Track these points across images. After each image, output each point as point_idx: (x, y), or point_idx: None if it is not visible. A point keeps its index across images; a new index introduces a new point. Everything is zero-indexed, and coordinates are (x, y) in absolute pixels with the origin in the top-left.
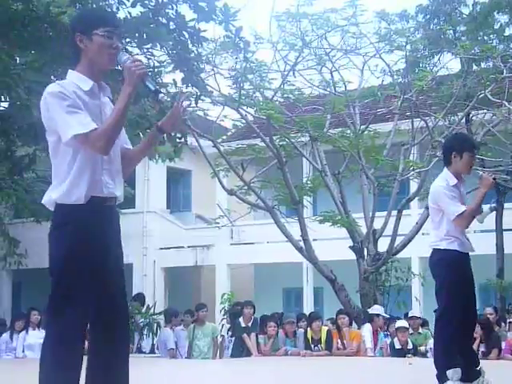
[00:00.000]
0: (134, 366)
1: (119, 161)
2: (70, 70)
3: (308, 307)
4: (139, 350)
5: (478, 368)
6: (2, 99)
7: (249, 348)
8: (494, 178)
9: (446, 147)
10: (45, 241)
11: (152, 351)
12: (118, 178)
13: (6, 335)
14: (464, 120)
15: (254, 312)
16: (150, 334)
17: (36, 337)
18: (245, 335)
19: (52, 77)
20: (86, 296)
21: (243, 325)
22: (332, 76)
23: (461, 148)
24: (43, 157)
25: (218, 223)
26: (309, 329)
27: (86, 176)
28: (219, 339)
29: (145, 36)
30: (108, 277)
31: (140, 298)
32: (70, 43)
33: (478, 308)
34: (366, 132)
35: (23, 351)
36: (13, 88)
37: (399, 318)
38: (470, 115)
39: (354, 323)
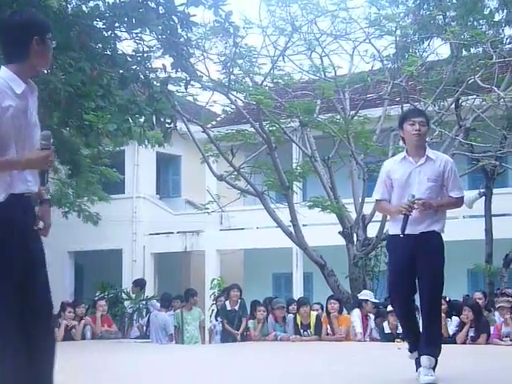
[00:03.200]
0: (122, 352)
1: None
2: (3, 67)
3: (298, 292)
4: (129, 336)
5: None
6: None
7: (231, 333)
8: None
9: None
10: None
11: (142, 336)
12: (36, 174)
13: None
14: (453, 105)
15: (241, 295)
16: (139, 320)
17: None
18: (225, 321)
19: None
20: (9, 291)
21: (229, 308)
22: (322, 61)
23: (400, 122)
24: None
25: (208, 209)
26: (298, 314)
27: (5, 174)
28: (209, 324)
29: (134, 21)
30: (29, 272)
31: (140, 283)
32: (18, 43)
33: (467, 293)
34: (355, 117)
35: None
36: None
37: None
38: (460, 101)
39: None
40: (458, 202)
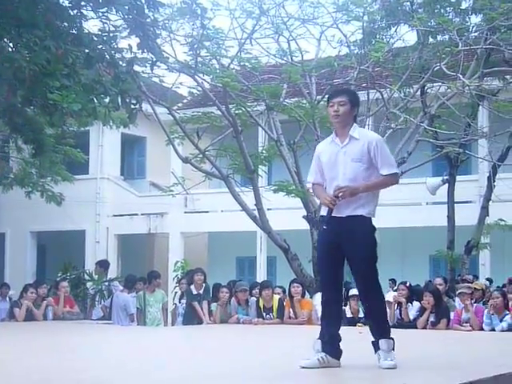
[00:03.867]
0: (85, 333)
1: None
2: None
3: (261, 276)
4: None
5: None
6: None
7: (199, 315)
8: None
9: None
10: None
11: (106, 318)
12: None
13: None
14: (419, 92)
15: (205, 279)
16: (102, 301)
17: None
18: (195, 303)
19: (5, 39)
20: None
21: (194, 292)
22: (289, 45)
23: (326, 105)
24: None
25: (173, 191)
26: (260, 297)
27: None
28: (172, 307)
29: (100, 0)
30: None
31: (104, 264)
32: None
33: (428, 279)
34: (321, 102)
35: None
36: None
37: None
38: (425, 88)
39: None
40: (391, 180)
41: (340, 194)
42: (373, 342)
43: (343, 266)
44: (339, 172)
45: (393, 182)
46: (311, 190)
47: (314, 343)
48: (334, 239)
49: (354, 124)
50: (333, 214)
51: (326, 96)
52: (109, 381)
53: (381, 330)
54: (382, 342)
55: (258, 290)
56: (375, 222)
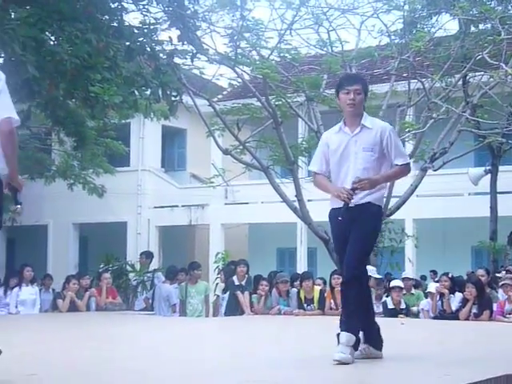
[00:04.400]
0: (127, 324)
1: None
2: None
3: (302, 267)
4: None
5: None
6: None
7: (242, 306)
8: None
9: None
10: (39, 198)
11: (148, 309)
12: None
13: None
14: (461, 82)
15: (248, 271)
16: (144, 292)
17: (29, 292)
18: (238, 292)
19: (47, 33)
20: None
21: (237, 283)
22: (329, 35)
23: (336, 90)
24: (37, 113)
25: (213, 183)
26: (301, 288)
27: None
28: (213, 298)
29: None
30: None
31: (149, 255)
32: None
33: (470, 270)
34: None
35: (16, 307)
36: (8, 43)
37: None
38: (467, 77)
39: None
40: (405, 170)
41: (360, 187)
42: (337, 334)
43: None
44: (350, 161)
45: (406, 173)
46: (314, 180)
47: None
48: (346, 231)
49: (365, 113)
50: (340, 206)
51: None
52: (148, 371)
53: (348, 322)
54: (343, 335)
55: (298, 282)
56: (418, 214)
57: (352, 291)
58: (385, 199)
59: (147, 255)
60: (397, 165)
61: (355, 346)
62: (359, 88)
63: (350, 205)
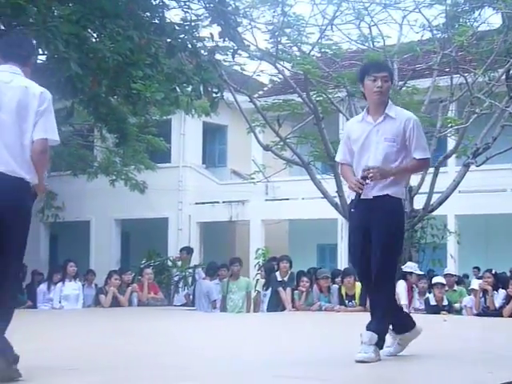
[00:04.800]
0: (167, 318)
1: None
2: None
3: (342, 264)
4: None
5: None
6: (41, 52)
7: (283, 302)
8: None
9: None
10: (81, 194)
11: (186, 304)
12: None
13: (43, 286)
14: (504, 76)
15: (291, 267)
16: (186, 288)
17: (72, 288)
18: (280, 288)
19: (89, 30)
20: None
21: (279, 279)
22: (370, 31)
23: (361, 76)
24: (80, 110)
25: (254, 179)
26: (342, 285)
27: None
28: (254, 294)
29: None
30: None
31: (189, 250)
32: None
33: None
34: (404, 88)
35: (60, 302)
36: (51, 41)
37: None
38: (511, 71)
39: None
40: (423, 165)
41: (370, 175)
42: (360, 334)
43: None
44: (370, 151)
45: (424, 168)
46: (340, 170)
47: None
48: (364, 224)
49: (390, 102)
50: (361, 197)
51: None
52: (188, 367)
53: (374, 323)
54: (365, 334)
55: (340, 278)
56: (460, 209)
57: (379, 292)
58: (404, 193)
59: (188, 251)
60: (415, 158)
61: (379, 344)
62: (387, 75)
63: (368, 196)
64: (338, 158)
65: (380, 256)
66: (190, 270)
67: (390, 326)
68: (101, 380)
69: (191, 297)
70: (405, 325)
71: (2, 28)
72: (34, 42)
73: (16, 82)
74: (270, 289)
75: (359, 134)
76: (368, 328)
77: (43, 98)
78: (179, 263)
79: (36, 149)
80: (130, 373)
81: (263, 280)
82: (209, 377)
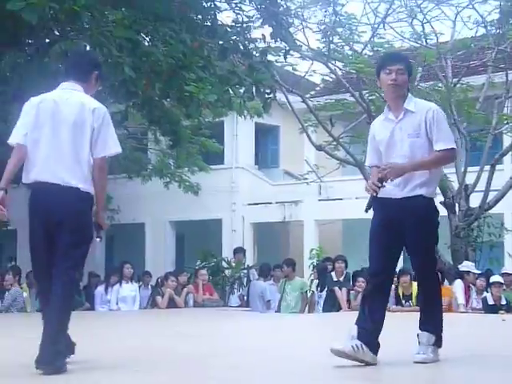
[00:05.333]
0: (223, 320)
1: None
2: None
3: (398, 264)
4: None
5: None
6: None
7: (339, 302)
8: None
9: None
10: (136, 196)
11: (241, 305)
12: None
13: (100, 288)
14: None
15: (347, 267)
16: (240, 289)
17: (129, 289)
18: (336, 288)
19: (142, 34)
20: None
21: (335, 279)
22: (423, 28)
23: (377, 70)
24: (134, 113)
25: (307, 179)
26: (399, 285)
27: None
28: (309, 294)
29: None
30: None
31: (242, 250)
32: None
33: None
34: (458, 85)
35: (117, 303)
36: (105, 45)
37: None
38: None
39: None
40: (446, 156)
41: (382, 176)
42: (417, 334)
43: (396, 253)
44: (396, 150)
45: (448, 160)
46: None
47: (351, 329)
48: (387, 224)
49: (409, 95)
50: (385, 196)
51: (380, 60)
52: (253, 367)
53: (426, 322)
54: (423, 335)
55: (396, 278)
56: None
57: (426, 292)
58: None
59: (242, 252)
60: (436, 150)
61: (437, 343)
62: (402, 67)
63: (396, 196)
64: (367, 163)
65: (422, 259)
66: (244, 271)
67: (356, 328)
68: (166, 380)
69: (245, 298)
70: (373, 341)
71: (57, 34)
72: (88, 47)
73: (74, 99)
74: (326, 289)
75: (384, 134)
76: (424, 328)
77: (97, 113)
78: (234, 264)
79: (95, 166)
80: (193, 374)
81: (317, 280)
82: (276, 377)
